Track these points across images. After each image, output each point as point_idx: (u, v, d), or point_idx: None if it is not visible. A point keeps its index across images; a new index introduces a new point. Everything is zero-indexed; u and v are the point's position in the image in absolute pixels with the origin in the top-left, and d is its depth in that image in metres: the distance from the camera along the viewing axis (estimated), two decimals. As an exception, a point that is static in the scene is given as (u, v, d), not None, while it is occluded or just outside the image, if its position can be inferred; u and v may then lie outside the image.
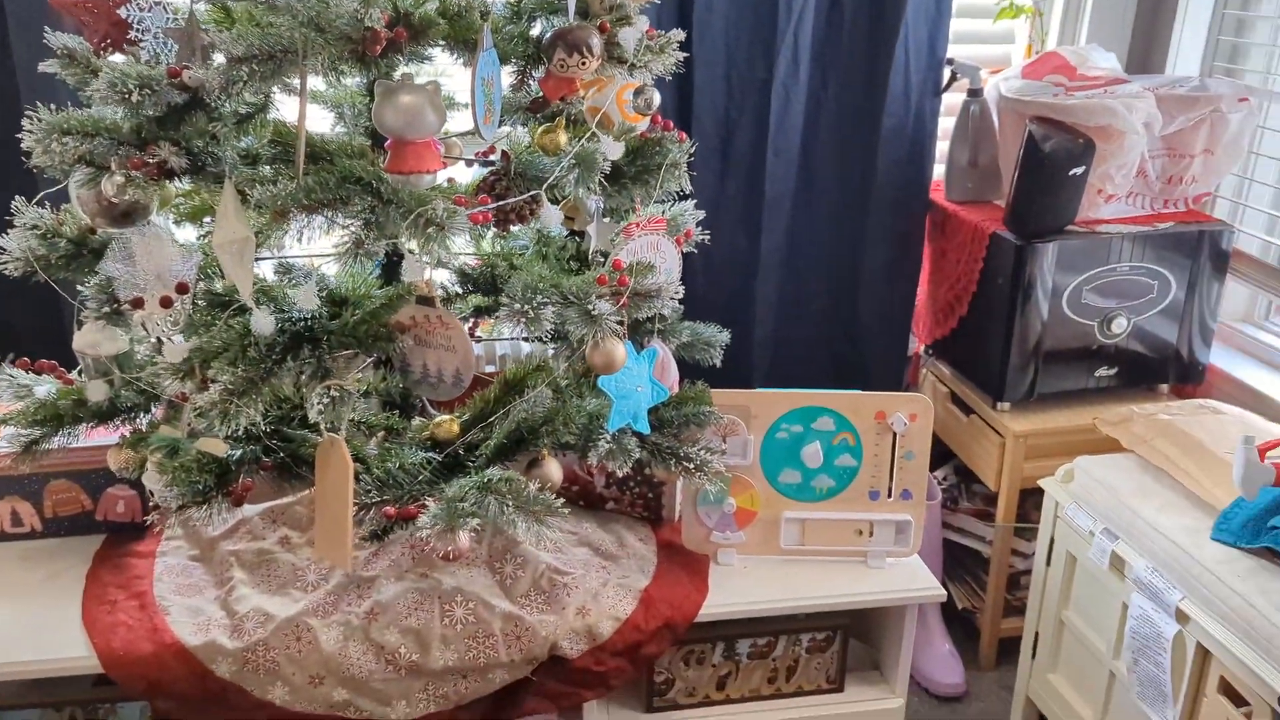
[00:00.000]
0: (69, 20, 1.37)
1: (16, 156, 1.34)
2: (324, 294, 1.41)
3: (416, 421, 1.56)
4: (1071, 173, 1.97)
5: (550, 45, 1.38)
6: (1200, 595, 1.60)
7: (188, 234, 1.55)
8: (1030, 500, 2.15)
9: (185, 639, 1.54)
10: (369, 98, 1.47)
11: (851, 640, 1.82)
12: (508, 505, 1.35)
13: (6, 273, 1.40)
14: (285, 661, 1.52)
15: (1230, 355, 2.26)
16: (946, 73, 2.22)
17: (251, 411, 1.29)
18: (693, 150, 1.57)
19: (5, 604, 1.62)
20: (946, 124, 2.28)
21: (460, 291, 1.67)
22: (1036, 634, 2.04)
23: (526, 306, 1.29)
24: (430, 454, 1.48)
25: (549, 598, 1.63)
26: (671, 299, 1.44)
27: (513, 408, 1.46)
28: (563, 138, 1.40)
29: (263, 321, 1.31)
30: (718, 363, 1.68)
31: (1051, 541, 1.97)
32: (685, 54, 1.58)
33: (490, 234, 1.66)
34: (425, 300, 1.39)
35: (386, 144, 1.34)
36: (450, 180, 1.55)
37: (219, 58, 1.26)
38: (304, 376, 1.36)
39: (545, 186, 1.34)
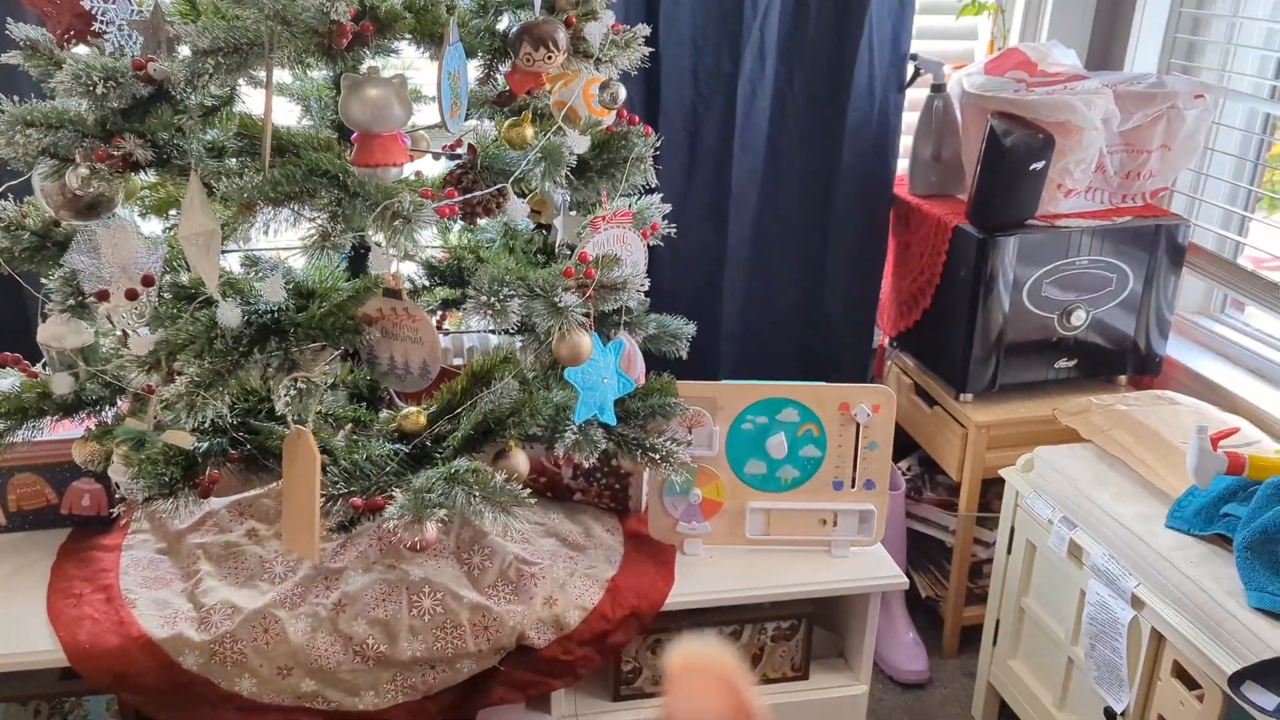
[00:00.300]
0: (31, 11, 1.36)
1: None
2: (291, 286, 1.41)
3: (384, 413, 1.57)
4: (1032, 167, 2.00)
5: (516, 39, 1.38)
6: (1155, 581, 1.64)
7: (153, 226, 1.55)
8: (992, 490, 2.18)
9: (152, 631, 1.54)
10: (335, 91, 1.48)
11: (816, 628, 1.85)
12: (475, 496, 1.36)
13: (-31, 265, 1.40)
14: (253, 653, 1.53)
15: (1187, 347, 2.30)
16: (910, 68, 2.24)
17: (218, 404, 1.30)
18: (659, 144, 1.58)
19: (-31, 598, 1.61)
20: (910, 119, 2.31)
21: (427, 284, 1.67)
22: (998, 621, 2.08)
23: (493, 299, 1.31)
24: (398, 445, 1.49)
25: (516, 588, 1.64)
26: (638, 291, 1.46)
27: (479, 399, 1.47)
28: (529, 131, 1.41)
29: (229, 314, 1.31)
30: (684, 355, 1.69)
31: (1012, 530, 2.00)
32: (651, 49, 1.59)
33: (457, 227, 1.67)
34: (392, 293, 1.39)
35: (353, 137, 1.34)
36: (418, 174, 1.55)
37: (184, 50, 1.26)
38: (271, 369, 1.36)
39: (511, 180, 1.35)
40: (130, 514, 1.78)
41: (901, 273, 2.34)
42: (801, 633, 1.83)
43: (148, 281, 1.37)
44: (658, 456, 1.58)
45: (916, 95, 2.31)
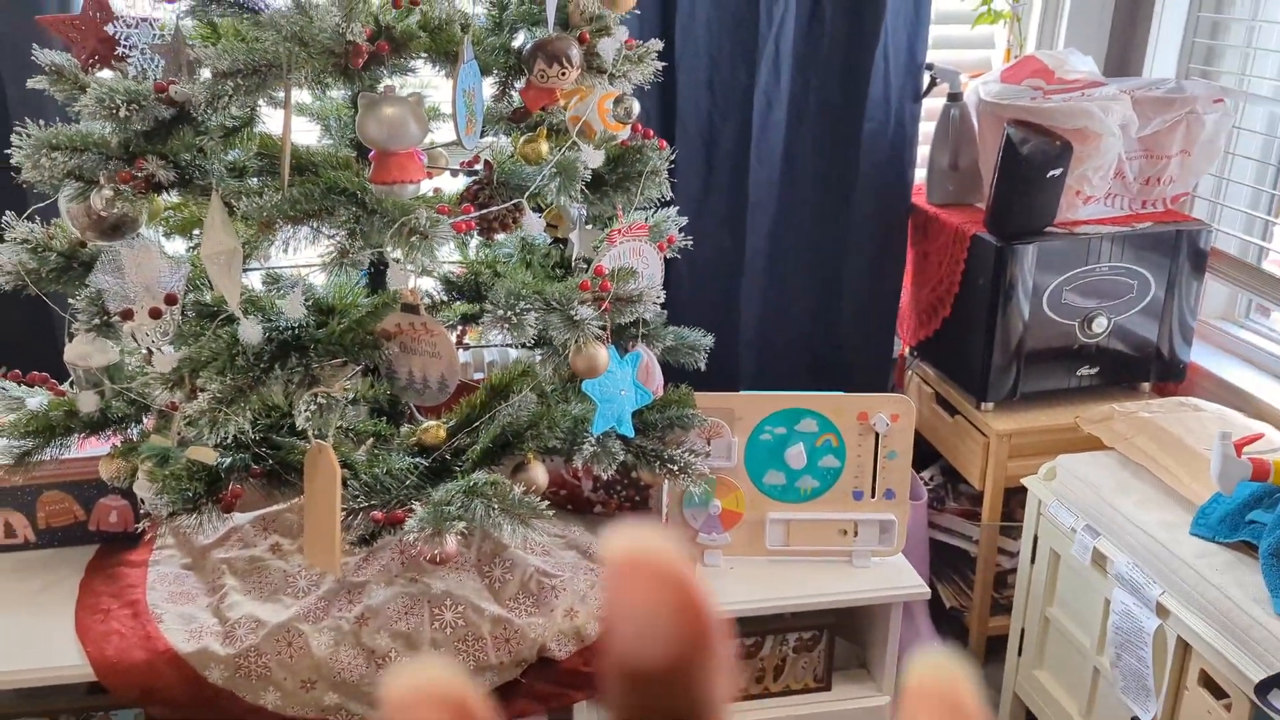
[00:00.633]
0: (57, 37, 1.39)
1: (6, 172, 1.36)
2: (311, 303, 1.43)
3: (404, 428, 1.58)
4: (1049, 175, 2.00)
5: (530, 56, 1.40)
6: (1180, 589, 1.62)
7: (177, 246, 1.57)
8: (1016, 499, 2.17)
9: (178, 646, 1.55)
10: (354, 109, 1.50)
11: (838, 639, 1.85)
12: (494, 509, 1.37)
13: (-2, 287, 1.42)
14: (277, 667, 1.54)
15: (1211, 353, 2.28)
16: (926, 78, 2.24)
17: (240, 420, 1.31)
18: (675, 156, 1.59)
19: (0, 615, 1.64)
20: (927, 128, 2.31)
21: (445, 299, 1.69)
22: (1023, 631, 2.06)
23: (509, 313, 1.32)
24: (417, 459, 1.50)
25: (537, 600, 1.65)
26: (654, 304, 1.47)
27: (498, 412, 1.48)
28: (544, 147, 1.42)
29: (250, 331, 1.33)
30: (703, 366, 1.70)
31: (1035, 539, 1.99)
32: (665, 63, 1.61)
33: (475, 242, 1.68)
34: (410, 308, 1.41)
35: (370, 155, 1.36)
36: (437, 190, 1.57)
37: (205, 73, 1.29)
38: (292, 384, 1.38)
39: (527, 195, 1.36)
40: (156, 530, 1.80)
41: (920, 282, 2.34)
42: (823, 644, 1.82)
43: (171, 300, 1.39)
44: (676, 468, 1.58)
45: (933, 104, 2.31)
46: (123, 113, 1.25)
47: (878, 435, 1.78)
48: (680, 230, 1.65)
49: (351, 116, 1.56)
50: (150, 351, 1.43)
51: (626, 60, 1.50)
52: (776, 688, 1.83)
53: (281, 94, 1.35)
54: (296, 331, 1.38)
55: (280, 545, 1.78)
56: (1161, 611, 1.64)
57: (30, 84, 1.41)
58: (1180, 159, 2.16)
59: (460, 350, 1.73)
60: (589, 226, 1.56)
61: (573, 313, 1.34)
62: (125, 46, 1.36)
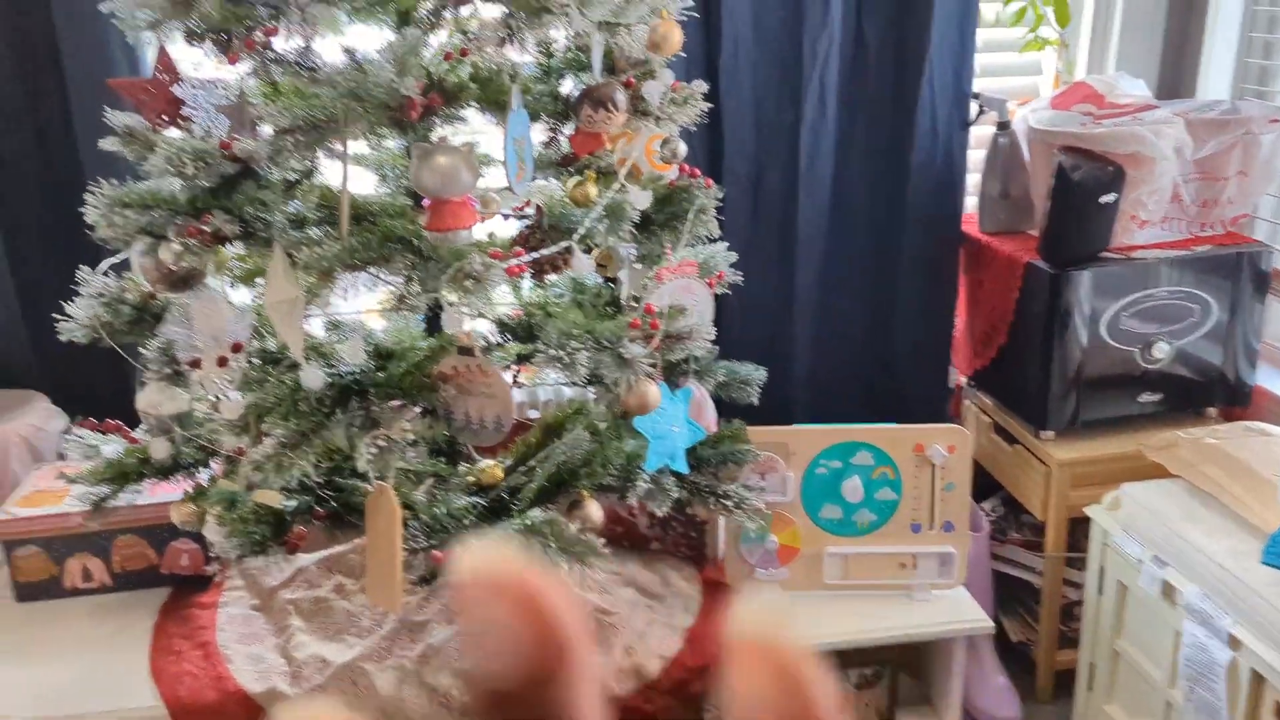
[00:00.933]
0: (127, 100, 1.46)
1: (82, 229, 1.42)
2: (370, 348, 1.47)
3: (462, 467, 1.61)
4: (1102, 200, 1.98)
5: (578, 102, 1.43)
6: (1252, 620, 1.58)
7: (242, 295, 1.63)
8: (1080, 529, 2.13)
9: (247, 686, 1.59)
10: (408, 159, 1.54)
11: (901, 675, 1.83)
12: (550, 547, 1.39)
13: (75, 339, 1.48)
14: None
15: (1277, 376, 2.23)
16: (974, 107, 2.25)
17: (304, 463, 1.35)
18: (723, 193, 1.61)
19: (77, 658, 1.69)
20: (977, 156, 2.31)
21: (500, 340, 1.72)
22: (1092, 665, 2.02)
23: (562, 353, 1.34)
24: (476, 498, 1.52)
25: (595, 638, 1.66)
26: (705, 339, 1.48)
27: (552, 450, 1.50)
28: (593, 190, 1.45)
29: (312, 376, 1.37)
30: (756, 401, 1.70)
31: (1101, 571, 1.96)
32: (710, 104, 1.63)
33: (528, 284, 1.71)
34: (466, 350, 1.44)
35: (425, 203, 1.40)
36: (491, 234, 1.61)
37: (267, 129, 1.34)
38: (353, 428, 1.41)
39: (577, 237, 1.39)
40: (225, 572, 1.85)
41: (974, 311, 2.32)
42: (886, 680, 1.80)
43: (237, 348, 1.43)
44: (731, 504, 1.59)
45: (981, 132, 2.31)
46: (190, 170, 1.30)
47: (934, 467, 1.77)
48: (730, 266, 1.67)
49: (406, 165, 1.60)
50: (217, 399, 1.47)
51: (672, 103, 1.53)
52: None
53: (339, 147, 1.40)
54: (357, 376, 1.42)
55: (344, 585, 1.81)
56: (1234, 643, 1.60)
57: (103, 145, 1.47)
58: (1238, 180, 2.13)
59: (516, 389, 1.76)
60: (638, 265, 1.59)
61: (623, 351, 1.36)
62: (191, 106, 1.42)
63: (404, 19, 1.41)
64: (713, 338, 1.51)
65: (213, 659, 1.65)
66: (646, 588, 1.79)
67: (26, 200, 2.02)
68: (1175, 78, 2.40)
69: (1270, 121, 2.08)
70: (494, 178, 1.65)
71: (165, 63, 1.41)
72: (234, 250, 1.52)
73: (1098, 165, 1.98)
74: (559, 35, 1.52)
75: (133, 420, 1.62)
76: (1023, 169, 2.24)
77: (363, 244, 1.31)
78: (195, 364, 1.44)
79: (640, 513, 1.88)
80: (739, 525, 1.75)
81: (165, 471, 1.57)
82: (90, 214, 1.36)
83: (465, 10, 1.44)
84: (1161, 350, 2.10)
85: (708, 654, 1.66)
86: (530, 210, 1.51)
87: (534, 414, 2.21)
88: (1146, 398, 2.14)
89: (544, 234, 1.43)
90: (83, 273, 1.50)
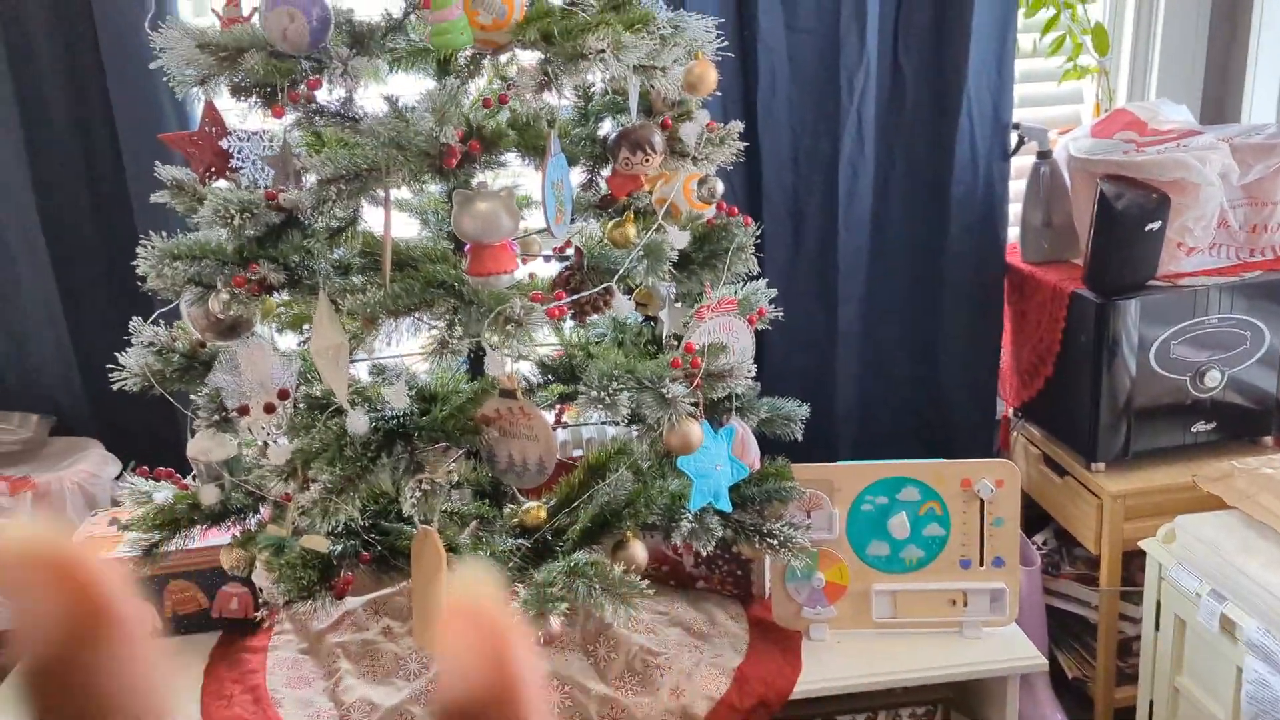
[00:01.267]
0: (177, 153, 1.50)
1: (134, 281, 1.46)
2: (414, 392, 1.48)
3: (506, 509, 1.61)
4: (1147, 228, 1.95)
5: (615, 145, 1.45)
6: (1318, 656, 1.53)
7: (288, 342, 1.65)
8: (1135, 562, 2.09)
9: (296, 730, 1.60)
10: (449, 204, 1.56)
11: (954, 714, 1.79)
12: (595, 588, 1.38)
13: (127, 387, 1.51)
14: (390, 749, 1.57)
15: (1337, 402, 2.18)
16: (1014, 137, 2.23)
17: (350, 508, 1.36)
18: (762, 230, 1.61)
19: (130, 701, 1.71)
20: (1018, 186, 2.29)
21: (542, 382, 1.73)
22: (1151, 703, 1.97)
23: (603, 393, 1.34)
24: (520, 540, 1.53)
25: (643, 679, 1.64)
26: (746, 377, 1.48)
27: (596, 491, 1.50)
28: (631, 230, 1.46)
29: (358, 421, 1.38)
30: (799, 437, 1.70)
31: (1158, 605, 1.91)
32: (747, 142, 1.64)
33: (569, 325, 1.72)
34: (508, 393, 1.45)
35: (466, 248, 1.42)
36: (532, 275, 1.62)
37: (311, 179, 1.36)
38: (398, 472, 1.42)
39: (617, 278, 1.40)
40: (274, 616, 1.86)
41: (1020, 342, 2.29)
42: (938, 719, 1.77)
43: (283, 395, 1.45)
44: (776, 542, 1.58)
45: (1022, 162, 2.29)
46: (237, 221, 1.33)
47: (982, 502, 1.74)
48: (770, 302, 1.66)
49: (448, 210, 1.63)
50: (265, 444, 1.49)
51: (709, 143, 1.54)
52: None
53: (381, 194, 1.42)
54: (401, 420, 1.43)
55: (391, 628, 1.82)
56: (1300, 680, 1.55)
57: (154, 198, 1.51)
58: (1287, 204, 2.09)
59: (559, 429, 1.77)
60: (678, 304, 1.59)
61: (664, 390, 1.36)
62: (238, 159, 1.46)
63: (444, 68, 1.44)
64: (754, 374, 1.51)
65: (262, 703, 1.66)
66: (693, 627, 1.78)
67: (85, 258, 2.07)
68: (1219, 103, 2.37)
69: (1319, 144, 2.04)
70: (534, 219, 1.67)
71: (212, 116, 1.45)
72: (280, 298, 1.55)
73: (1141, 193, 1.96)
74: (596, 79, 1.54)
75: (184, 467, 1.64)
76: (1065, 198, 2.22)
77: (405, 290, 1.32)
78: (243, 410, 1.46)
79: (686, 552, 1.87)
80: (785, 563, 1.74)
81: (215, 518, 1.59)
82: (141, 266, 1.39)
83: (503, 57, 1.46)
84: (1213, 378, 2.06)
85: (755, 695, 1.64)
86: (570, 252, 1.52)
87: (578, 453, 2.21)
88: (1200, 427, 2.10)
89: (584, 275, 1.44)
90: (135, 323, 1.54)
